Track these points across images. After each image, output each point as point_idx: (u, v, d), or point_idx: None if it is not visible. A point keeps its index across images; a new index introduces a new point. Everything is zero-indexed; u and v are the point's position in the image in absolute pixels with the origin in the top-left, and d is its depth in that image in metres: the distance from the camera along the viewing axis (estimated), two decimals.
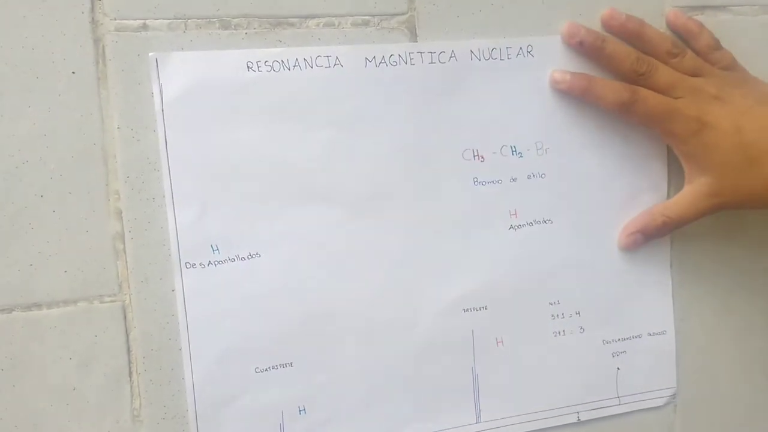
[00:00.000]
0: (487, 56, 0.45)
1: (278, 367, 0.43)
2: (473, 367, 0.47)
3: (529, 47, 0.46)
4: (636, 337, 0.50)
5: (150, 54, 0.39)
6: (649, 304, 0.50)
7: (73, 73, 0.39)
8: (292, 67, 0.41)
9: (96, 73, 0.39)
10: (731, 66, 0.46)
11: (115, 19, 0.39)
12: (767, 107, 0.44)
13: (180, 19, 0.40)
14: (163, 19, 0.39)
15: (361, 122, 0.43)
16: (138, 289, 0.41)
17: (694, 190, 0.45)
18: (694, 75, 0.45)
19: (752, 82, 0.46)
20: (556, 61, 0.46)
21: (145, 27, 0.39)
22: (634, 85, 0.44)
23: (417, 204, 0.45)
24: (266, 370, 0.43)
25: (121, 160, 0.40)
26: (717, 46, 0.47)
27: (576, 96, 0.46)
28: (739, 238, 0.52)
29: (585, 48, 0.45)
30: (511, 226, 0.47)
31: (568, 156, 0.47)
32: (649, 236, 0.47)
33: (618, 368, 0.50)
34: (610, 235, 0.49)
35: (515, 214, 0.47)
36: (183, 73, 0.40)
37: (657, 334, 0.51)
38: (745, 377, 0.53)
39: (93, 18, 0.39)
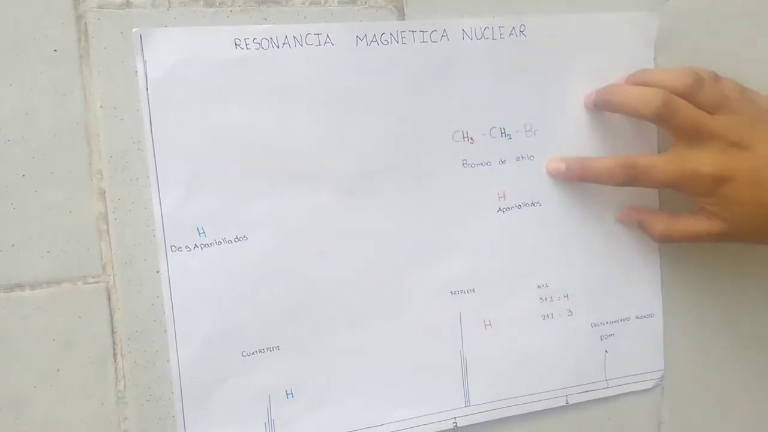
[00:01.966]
0: (479, 35, 0.45)
1: (265, 350, 0.43)
2: (461, 351, 0.47)
3: (522, 27, 0.46)
4: (624, 320, 0.51)
5: (134, 30, 0.39)
6: (638, 287, 0.51)
7: (55, 50, 0.38)
8: (281, 45, 0.41)
9: (78, 50, 0.39)
10: (740, 95, 0.44)
11: None
12: None
13: None
14: None
15: (351, 102, 0.43)
16: (122, 270, 0.41)
17: (706, 227, 0.44)
18: (695, 131, 0.42)
19: (766, 112, 0.44)
20: (549, 40, 0.46)
21: (128, 4, 0.39)
22: (631, 158, 0.43)
23: (406, 186, 0.45)
24: (253, 353, 0.43)
25: (105, 140, 0.40)
26: (715, 78, 0.44)
27: (577, 181, 0.46)
28: None
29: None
30: (500, 209, 0.47)
31: (557, 138, 0.47)
32: (642, 229, 0.48)
33: (606, 351, 0.50)
34: (598, 218, 0.49)
35: (504, 196, 0.47)
36: (168, 50, 0.39)
37: (645, 317, 0.51)
38: (733, 360, 0.54)
39: None
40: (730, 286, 0.53)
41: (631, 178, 0.43)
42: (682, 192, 0.44)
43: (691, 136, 0.42)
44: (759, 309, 0.54)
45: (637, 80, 0.46)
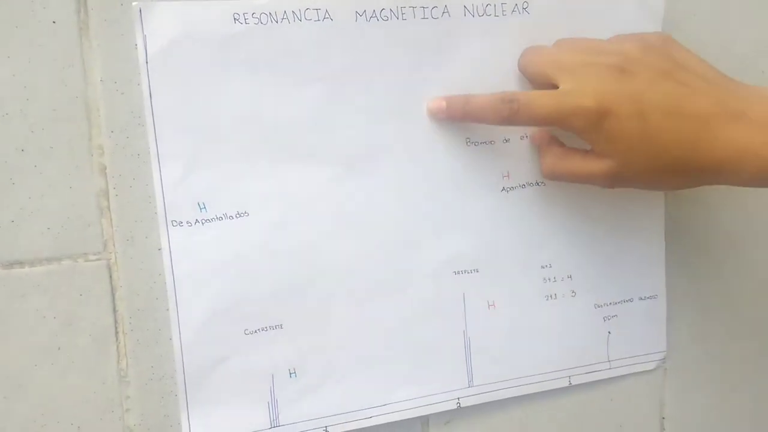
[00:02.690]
0: (481, 12, 0.45)
1: (268, 329, 0.43)
2: (465, 331, 0.47)
3: (525, 3, 0.45)
4: (627, 300, 0.51)
5: (134, 3, 0.38)
6: (641, 268, 0.51)
7: (54, 22, 0.38)
8: (280, 20, 0.41)
9: (78, 22, 0.38)
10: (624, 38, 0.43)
11: None
12: (670, 82, 0.40)
13: None
14: None
15: (351, 78, 0.43)
16: (123, 247, 0.41)
17: (595, 166, 0.42)
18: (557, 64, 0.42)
19: (654, 40, 0.42)
20: (553, 18, 0.46)
21: None
22: (512, 93, 0.41)
23: (408, 164, 0.45)
24: (256, 331, 0.43)
25: (105, 114, 0.39)
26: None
27: (459, 121, 0.44)
28: (732, 202, 0.53)
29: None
30: (504, 188, 0.47)
31: None
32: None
33: (609, 332, 0.50)
34: (602, 199, 0.49)
35: (507, 175, 0.47)
36: (168, 24, 0.39)
37: (648, 298, 0.52)
38: (736, 341, 0.54)
39: None
40: (734, 268, 0.54)
41: (513, 112, 0.40)
42: (567, 130, 0.41)
43: (566, 70, 0.41)
44: (762, 291, 0.54)
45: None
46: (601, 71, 0.40)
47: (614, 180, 0.41)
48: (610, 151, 0.40)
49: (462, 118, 0.44)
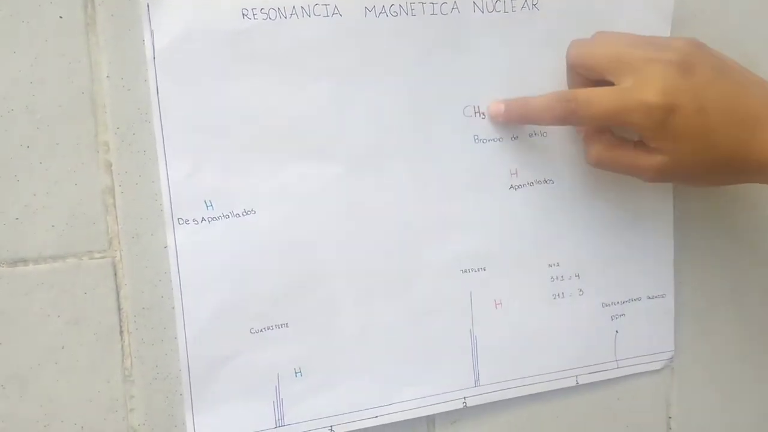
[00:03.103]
0: (490, 8, 0.45)
1: (273, 327, 0.43)
2: (471, 330, 0.47)
3: (535, 0, 0.45)
4: (635, 300, 0.51)
5: None
6: (650, 266, 0.51)
7: (61, 17, 0.38)
8: (288, 15, 0.41)
9: (84, 18, 0.38)
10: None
11: None
12: (727, 80, 0.41)
13: None
14: None
15: (360, 75, 0.43)
16: (129, 245, 0.41)
17: (644, 161, 0.42)
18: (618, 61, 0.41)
19: (696, 41, 0.42)
20: (563, 15, 0.46)
21: None
22: (570, 91, 0.42)
23: (416, 161, 0.45)
24: (261, 330, 0.43)
25: (111, 111, 0.39)
26: None
27: (517, 123, 0.45)
28: (741, 200, 0.53)
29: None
30: (512, 186, 0.47)
31: None
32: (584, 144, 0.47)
33: (617, 331, 0.51)
34: (611, 197, 0.49)
35: (516, 173, 0.47)
36: (175, 19, 0.39)
37: (656, 297, 0.52)
38: (743, 340, 0.54)
39: None
40: (742, 267, 0.54)
41: (570, 111, 0.41)
42: (627, 126, 0.41)
43: (625, 66, 0.40)
44: None
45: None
46: (662, 67, 0.40)
47: (663, 175, 0.42)
48: (668, 147, 0.40)
49: (519, 121, 0.45)
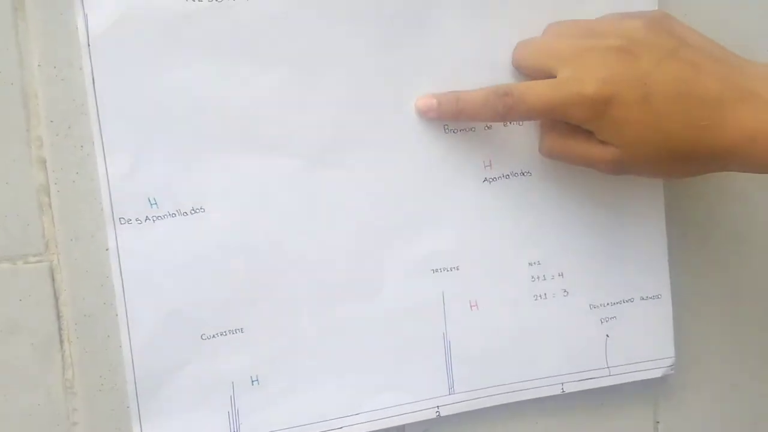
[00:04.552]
0: None
1: (227, 333, 0.42)
2: (445, 333, 0.46)
3: None
4: (627, 301, 0.50)
5: None
6: (642, 264, 0.50)
7: None
8: None
9: (12, 2, 0.38)
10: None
11: None
12: (677, 62, 0.39)
13: None
14: None
15: (317, 60, 0.42)
16: (67, 247, 0.40)
17: (598, 153, 0.42)
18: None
19: (653, 16, 0.42)
20: None
21: None
22: (505, 86, 0.41)
23: (381, 153, 0.44)
24: (214, 336, 0.42)
25: (44, 102, 0.39)
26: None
27: (451, 120, 0.44)
28: (735, 194, 0.52)
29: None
30: (486, 179, 0.46)
31: None
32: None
33: (607, 335, 0.50)
34: (596, 188, 0.48)
35: (490, 165, 0.46)
36: (112, 2, 0.38)
37: (651, 297, 0.51)
38: (735, 343, 0.54)
39: None
40: (737, 267, 0.53)
41: (507, 107, 0.40)
42: (568, 120, 0.41)
43: (561, 57, 0.40)
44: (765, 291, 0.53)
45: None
46: (601, 55, 0.39)
47: (618, 167, 0.41)
48: (615, 139, 0.40)
49: (454, 117, 0.44)
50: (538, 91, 0.40)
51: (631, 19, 0.41)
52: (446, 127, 0.45)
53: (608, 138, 0.40)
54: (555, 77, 0.41)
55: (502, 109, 0.40)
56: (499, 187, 0.47)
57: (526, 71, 0.44)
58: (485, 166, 0.46)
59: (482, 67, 0.45)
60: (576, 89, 0.39)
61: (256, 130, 0.42)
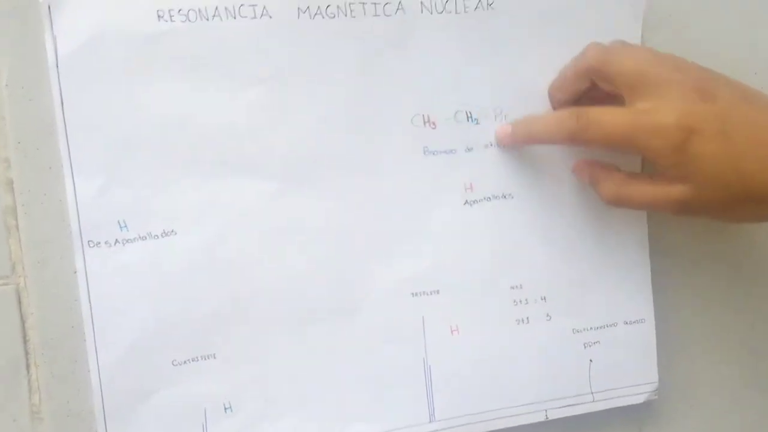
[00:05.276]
0: (440, 8, 0.44)
1: (199, 359, 0.42)
2: (425, 359, 0.46)
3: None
4: (611, 325, 0.50)
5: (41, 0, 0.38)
6: (626, 288, 0.50)
7: None
8: (211, 17, 0.40)
9: None
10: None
11: None
12: (752, 105, 0.40)
13: None
14: None
15: (294, 81, 0.42)
16: (34, 270, 0.40)
17: (664, 192, 0.41)
18: (640, 77, 0.41)
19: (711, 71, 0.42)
20: (519, 14, 0.45)
21: None
22: (581, 108, 0.41)
23: (360, 175, 0.44)
24: (185, 362, 0.42)
25: (11, 123, 0.39)
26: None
27: (526, 144, 0.45)
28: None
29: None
30: (467, 201, 0.46)
31: None
32: (592, 187, 0.46)
33: (591, 360, 0.50)
34: (579, 211, 0.48)
35: (471, 187, 0.46)
36: (81, 22, 0.38)
37: (635, 322, 0.51)
38: (722, 367, 0.53)
39: None
40: (731, 289, 0.53)
41: (581, 128, 0.40)
42: (640, 152, 0.41)
43: (643, 85, 0.40)
44: (752, 317, 0.53)
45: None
46: (683, 90, 0.39)
47: (684, 207, 0.41)
48: (690, 175, 0.40)
49: (528, 141, 0.45)
50: (616, 118, 0.40)
51: (700, 68, 0.42)
52: (426, 149, 0.46)
53: (683, 173, 0.40)
54: (620, 98, 0.41)
55: (575, 128, 0.41)
56: (480, 209, 0.47)
57: (599, 76, 0.42)
58: (466, 189, 0.46)
59: (460, 94, 0.45)
60: (655, 119, 0.39)
61: (230, 151, 0.42)
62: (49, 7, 0.38)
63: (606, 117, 0.40)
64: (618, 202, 0.44)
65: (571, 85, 0.45)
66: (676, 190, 0.40)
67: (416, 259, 0.46)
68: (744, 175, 0.39)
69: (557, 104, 0.46)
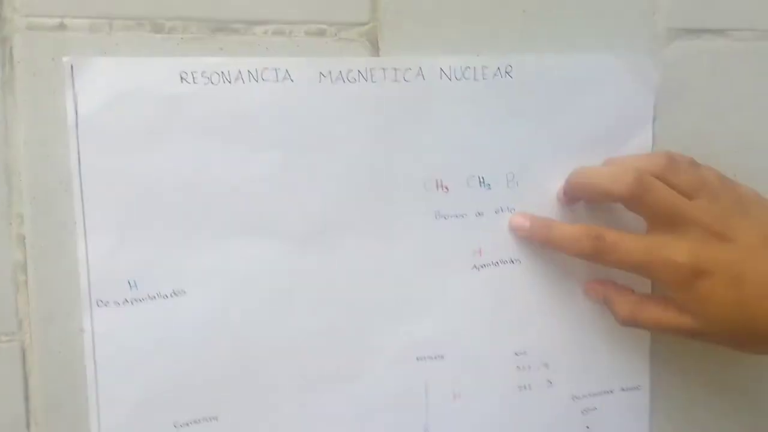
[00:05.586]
0: (459, 75, 0.45)
1: (201, 420, 0.42)
2: (426, 424, 0.47)
3: (508, 67, 0.46)
4: (607, 392, 0.51)
5: (64, 59, 0.38)
6: (624, 355, 0.51)
7: None
8: (233, 80, 0.41)
9: (1, 76, 0.38)
10: (720, 182, 0.43)
11: (28, 16, 0.38)
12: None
13: (104, 18, 0.39)
14: (85, 18, 0.39)
15: (311, 145, 0.43)
16: (40, 327, 0.40)
17: (674, 321, 0.43)
18: (670, 215, 0.42)
19: (749, 201, 0.43)
20: (536, 83, 0.46)
21: (62, 26, 0.39)
22: (599, 230, 0.43)
23: (369, 238, 0.45)
24: (187, 424, 0.42)
25: (27, 180, 0.39)
26: (693, 163, 0.44)
27: (538, 243, 0.46)
28: None
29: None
30: (475, 266, 0.47)
31: (541, 189, 0.48)
32: (606, 306, 0.48)
33: (588, 427, 0.50)
34: (583, 278, 0.49)
35: (480, 252, 0.47)
36: (103, 82, 0.39)
37: (631, 389, 0.51)
38: None
39: (0, 13, 0.38)
40: (724, 358, 0.54)
41: (597, 251, 0.42)
42: (652, 279, 0.44)
43: (666, 220, 0.42)
44: (748, 385, 0.54)
45: (607, 163, 0.47)
46: (702, 231, 0.41)
47: (697, 337, 0.43)
48: (697, 311, 0.41)
49: (541, 243, 0.46)
50: (631, 246, 0.42)
51: (725, 193, 0.43)
52: (437, 213, 0.46)
53: (690, 308, 0.42)
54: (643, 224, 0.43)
55: (590, 251, 0.42)
56: (487, 274, 0.47)
57: (618, 193, 0.43)
58: (475, 253, 0.47)
59: (474, 159, 0.46)
60: (668, 254, 0.41)
61: (243, 212, 0.42)
62: (72, 67, 0.38)
63: (623, 244, 0.42)
64: (631, 324, 0.46)
65: (595, 198, 0.46)
66: (685, 321, 0.42)
67: (422, 324, 0.46)
68: (753, 317, 0.40)
69: (570, 199, 0.47)
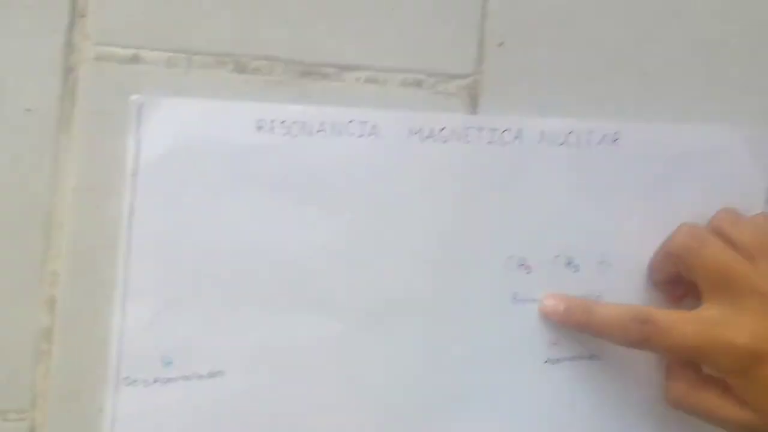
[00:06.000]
0: (561, 140, 0.53)
1: None
2: None
3: (616, 134, 0.54)
4: None
5: (132, 97, 0.45)
6: None
7: (28, 110, 0.44)
8: (315, 132, 0.48)
9: (59, 112, 0.44)
10: None
11: (99, 44, 0.44)
12: None
13: (183, 53, 0.45)
14: (162, 50, 0.45)
15: (387, 209, 0.51)
16: (57, 406, 0.46)
17: (731, 413, 0.48)
18: (727, 279, 0.48)
19: None
20: (644, 153, 0.55)
21: (135, 59, 0.45)
22: (647, 311, 0.49)
23: (435, 321, 0.53)
24: None
25: (70, 232, 0.45)
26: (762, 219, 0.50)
27: (577, 330, 0.53)
28: None
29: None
30: (548, 359, 0.55)
31: (633, 275, 0.56)
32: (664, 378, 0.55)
33: None
34: (660, 379, 0.57)
35: (556, 343, 0.55)
36: (171, 127, 0.46)
37: None
38: None
39: (68, 39, 0.44)
40: None
41: (644, 337, 0.48)
42: (708, 365, 0.48)
43: (723, 287, 0.47)
44: None
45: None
46: (764, 303, 0.46)
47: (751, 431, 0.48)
48: (756, 402, 0.47)
49: (579, 329, 0.53)
50: (684, 329, 0.47)
51: None
52: (515, 296, 0.54)
53: (747, 398, 0.47)
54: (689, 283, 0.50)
55: (637, 338, 0.49)
56: (560, 370, 0.56)
57: (685, 267, 0.50)
58: (550, 345, 0.55)
59: (563, 236, 0.54)
60: (728, 335, 0.46)
61: (298, 284, 0.50)
62: (140, 107, 0.45)
63: (675, 326, 0.48)
64: (678, 408, 0.52)
65: (662, 266, 0.54)
66: (742, 414, 0.48)
67: (486, 419, 0.54)
68: None
69: (654, 282, 0.55)
